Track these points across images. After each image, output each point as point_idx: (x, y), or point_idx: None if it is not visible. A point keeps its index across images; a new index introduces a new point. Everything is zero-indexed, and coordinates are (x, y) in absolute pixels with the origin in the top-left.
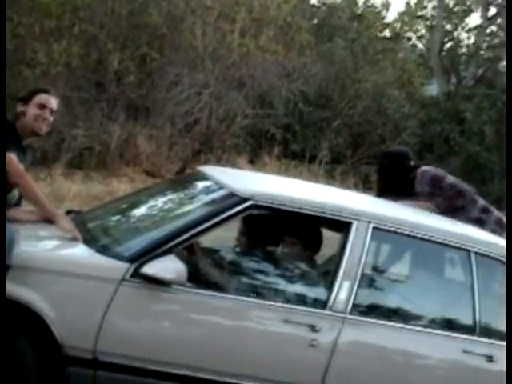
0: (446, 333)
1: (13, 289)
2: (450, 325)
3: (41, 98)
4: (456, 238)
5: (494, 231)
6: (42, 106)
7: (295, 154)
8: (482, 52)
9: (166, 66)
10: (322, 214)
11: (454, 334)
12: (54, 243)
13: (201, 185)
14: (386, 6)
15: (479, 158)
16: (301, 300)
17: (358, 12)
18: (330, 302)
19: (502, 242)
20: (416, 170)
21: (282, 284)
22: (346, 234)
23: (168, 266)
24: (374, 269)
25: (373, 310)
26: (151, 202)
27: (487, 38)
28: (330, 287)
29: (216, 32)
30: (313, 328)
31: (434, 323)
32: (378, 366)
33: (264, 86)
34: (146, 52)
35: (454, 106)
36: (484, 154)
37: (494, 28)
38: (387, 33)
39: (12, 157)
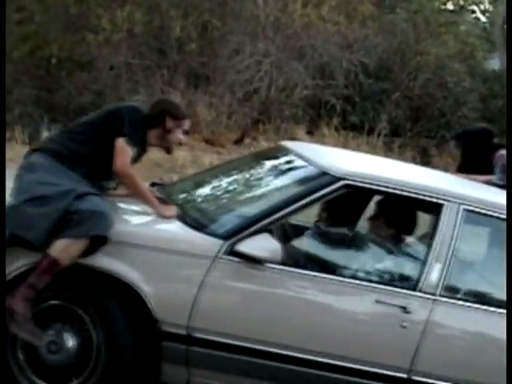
0: None
1: (112, 264)
2: None
3: (187, 124)
4: None
5: None
6: (186, 133)
7: (354, 125)
8: None
9: (227, 34)
10: (415, 195)
11: None
12: (148, 219)
13: (288, 161)
14: None
15: None
16: (392, 281)
17: None
18: (421, 284)
19: None
20: (498, 151)
21: (373, 264)
22: (437, 216)
23: (263, 245)
24: (465, 251)
25: (463, 293)
26: (239, 177)
27: None
28: (421, 269)
29: (278, 1)
30: (404, 309)
31: None
32: (467, 350)
33: (325, 57)
34: (207, 20)
35: None
36: None
37: None
38: (450, 5)
39: (125, 145)
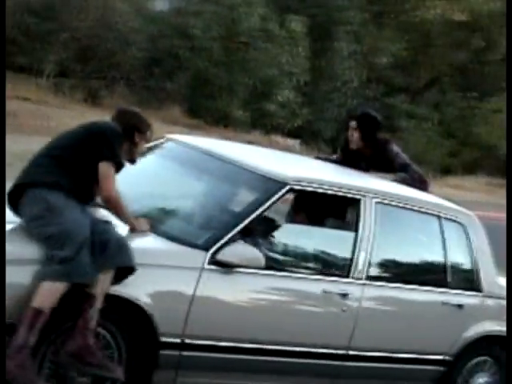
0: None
1: (115, 287)
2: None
3: (151, 133)
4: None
5: None
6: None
7: (22, 67)
8: None
9: None
10: (336, 193)
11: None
12: (128, 235)
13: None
14: None
15: (207, 74)
16: (331, 271)
17: None
18: (352, 271)
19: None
20: (387, 144)
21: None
22: (357, 210)
23: (243, 252)
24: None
25: (383, 275)
26: (176, 181)
27: None
28: (350, 258)
29: None
30: (343, 296)
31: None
32: (391, 323)
33: None
34: None
35: (183, 22)
36: (212, 71)
37: None
38: None
39: (112, 170)
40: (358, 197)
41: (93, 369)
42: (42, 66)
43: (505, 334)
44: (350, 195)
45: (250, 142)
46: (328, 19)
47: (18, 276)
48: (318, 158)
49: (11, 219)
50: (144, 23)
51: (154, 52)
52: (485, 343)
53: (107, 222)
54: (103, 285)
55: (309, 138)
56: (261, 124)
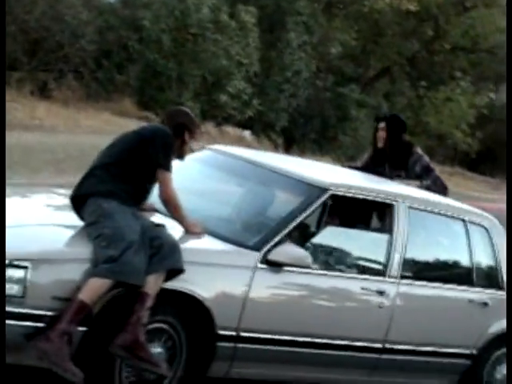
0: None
1: (178, 283)
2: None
3: (200, 132)
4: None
5: None
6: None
7: None
8: None
9: None
10: (371, 198)
11: None
12: (183, 236)
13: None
14: None
15: (157, 66)
16: (369, 270)
17: None
18: (388, 271)
19: None
20: (413, 149)
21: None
22: (391, 214)
23: (292, 252)
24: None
25: (416, 274)
26: (237, 188)
27: None
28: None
29: None
30: (381, 293)
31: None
32: (425, 318)
33: None
34: None
35: (131, 13)
36: (162, 62)
37: None
38: None
39: (169, 174)
40: (392, 202)
41: (142, 363)
42: None
43: None
44: (384, 200)
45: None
46: (278, 10)
47: (74, 273)
48: (349, 166)
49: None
50: (93, 15)
51: (103, 44)
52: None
53: (160, 226)
54: (154, 285)
55: (260, 128)
56: (212, 115)
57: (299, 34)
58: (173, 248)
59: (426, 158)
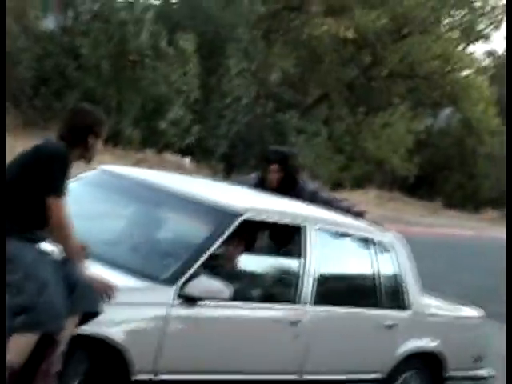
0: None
1: (90, 327)
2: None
3: (106, 131)
4: None
5: None
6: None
7: None
8: None
9: None
10: (287, 222)
11: None
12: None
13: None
14: None
15: (96, 93)
16: (281, 298)
17: None
18: (299, 297)
19: None
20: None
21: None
22: (299, 237)
23: (209, 285)
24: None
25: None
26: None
27: None
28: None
29: None
30: (294, 323)
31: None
32: (338, 344)
33: None
34: None
35: (70, 41)
36: (100, 89)
37: None
38: None
39: (61, 201)
40: (302, 224)
41: None
42: None
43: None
44: (295, 223)
45: (140, 161)
46: (217, 36)
47: None
48: (233, 181)
49: None
50: (30, 42)
51: (41, 71)
52: (412, 359)
53: (69, 261)
54: (69, 329)
55: (201, 155)
56: (152, 142)
57: (239, 61)
58: (88, 287)
59: (310, 185)
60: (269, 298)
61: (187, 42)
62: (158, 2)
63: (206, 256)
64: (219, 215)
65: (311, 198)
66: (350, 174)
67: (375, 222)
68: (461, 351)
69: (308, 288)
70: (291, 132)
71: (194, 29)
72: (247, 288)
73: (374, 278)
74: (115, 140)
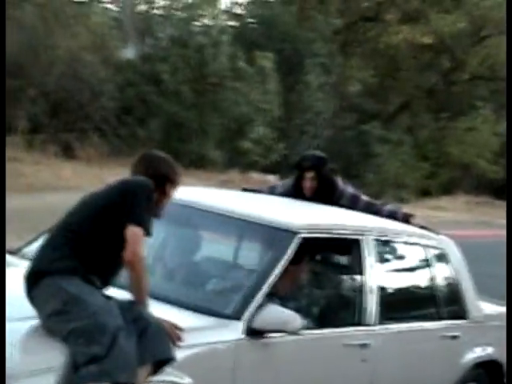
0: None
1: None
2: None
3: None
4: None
5: None
6: None
7: None
8: (175, 13)
9: None
10: (337, 235)
11: None
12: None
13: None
14: None
15: (178, 118)
16: (347, 322)
17: None
18: (364, 318)
19: None
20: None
21: (333, 310)
22: (359, 251)
23: (279, 316)
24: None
25: (394, 317)
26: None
27: None
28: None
29: None
30: (363, 346)
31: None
32: (409, 366)
33: None
34: None
35: (150, 68)
36: (182, 114)
37: None
38: None
39: (142, 233)
40: (360, 237)
41: None
42: (13, 123)
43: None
44: (352, 236)
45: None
46: (295, 53)
47: None
48: (244, 189)
49: (30, 313)
50: (112, 72)
51: (124, 100)
52: (474, 369)
53: (135, 303)
54: (141, 378)
55: (285, 172)
56: (236, 162)
57: (318, 75)
58: (159, 331)
59: (350, 189)
60: (335, 321)
61: (265, 61)
62: (234, 24)
63: (269, 282)
64: (278, 235)
65: (352, 203)
66: (437, 180)
67: (424, 227)
68: None
69: (372, 306)
70: (375, 142)
71: (271, 47)
72: (312, 313)
73: (432, 288)
74: (199, 163)
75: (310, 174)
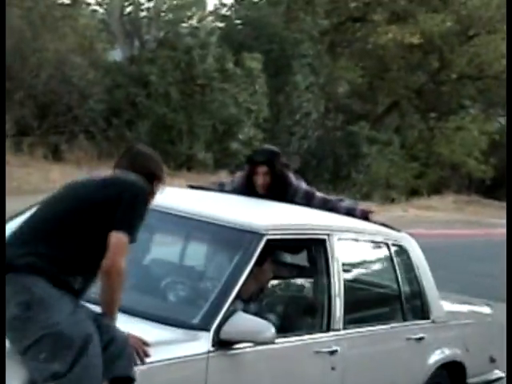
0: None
1: None
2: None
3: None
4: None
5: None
6: None
7: None
8: (162, 14)
9: None
10: (310, 236)
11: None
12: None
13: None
14: None
15: (166, 120)
16: (314, 328)
17: None
18: (331, 323)
19: None
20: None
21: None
22: (324, 251)
23: (249, 325)
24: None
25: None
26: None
27: (166, 1)
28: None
29: None
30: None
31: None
32: (376, 370)
33: None
34: None
35: (138, 70)
36: (171, 116)
37: None
38: None
39: (127, 242)
40: (324, 237)
41: None
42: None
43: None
44: (317, 236)
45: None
46: (282, 54)
47: None
48: (191, 186)
49: None
50: (100, 75)
51: (112, 102)
52: (438, 371)
53: (103, 315)
54: None
55: None
56: (225, 164)
57: (306, 76)
58: (124, 348)
59: (303, 185)
60: (302, 327)
61: (253, 62)
62: (222, 25)
63: (237, 288)
64: (244, 237)
65: (307, 199)
66: (426, 180)
67: (384, 224)
68: (478, 355)
69: (338, 310)
70: (363, 143)
71: (258, 48)
72: (280, 319)
73: (396, 287)
74: (188, 164)
75: (262, 169)
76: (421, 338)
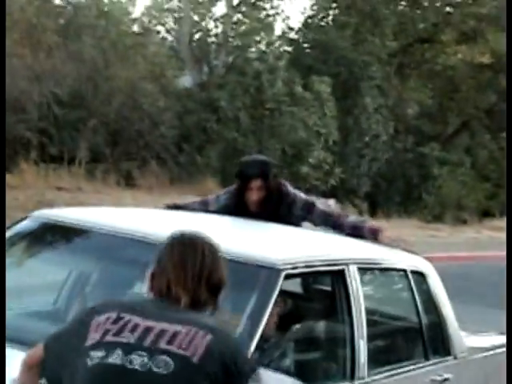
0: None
1: None
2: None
3: None
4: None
5: None
6: None
7: (53, 157)
8: (230, 40)
9: None
10: (329, 269)
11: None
12: None
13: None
14: (132, 1)
15: (237, 144)
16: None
17: (105, 9)
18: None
19: None
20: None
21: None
22: (342, 283)
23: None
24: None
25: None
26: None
27: (234, 26)
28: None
29: None
30: None
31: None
32: None
33: (15, 92)
34: None
35: (208, 95)
36: (241, 140)
37: (239, 16)
38: (136, 28)
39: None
40: (343, 267)
41: None
42: (74, 153)
43: None
44: (336, 268)
45: None
46: (351, 76)
47: None
48: (168, 206)
49: None
50: (170, 101)
51: (182, 128)
52: None
53: None
54: None
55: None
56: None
57: (374, 98)
58: None
59: (301, 194)
60: (323, 376)
61: (322, 85)
62: (289, 49)
63: (257, 337)
64: (261, 274)
65: (306, 212)
66: (499, 201)
67: (398, 242)
68: None
69: (362, 355)
70: (434, 164)
71: (327, 71)
72: (298, 366)
73: (417, 321)
74: None
75: (256, 183)
76: (445, 380)
